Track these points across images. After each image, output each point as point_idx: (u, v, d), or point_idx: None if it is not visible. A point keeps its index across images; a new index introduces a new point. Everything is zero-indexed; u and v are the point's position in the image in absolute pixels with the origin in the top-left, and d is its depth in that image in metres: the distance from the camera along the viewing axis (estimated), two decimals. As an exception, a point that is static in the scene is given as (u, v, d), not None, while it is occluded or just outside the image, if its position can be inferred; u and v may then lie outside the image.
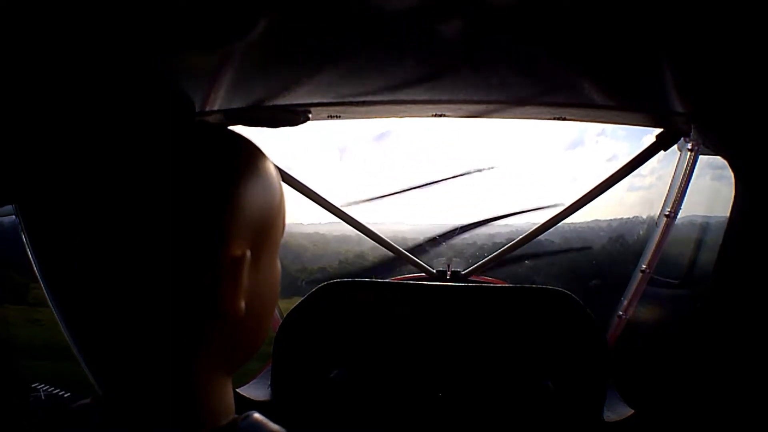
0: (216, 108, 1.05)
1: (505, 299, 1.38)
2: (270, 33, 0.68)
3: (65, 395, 1.52)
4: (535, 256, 2.02)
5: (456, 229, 1.83)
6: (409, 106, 1.17)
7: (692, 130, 1.07)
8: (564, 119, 1.21)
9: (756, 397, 0.94)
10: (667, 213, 1.38)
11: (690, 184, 1.34)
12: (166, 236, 0.39)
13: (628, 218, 2.29)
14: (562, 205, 1.45)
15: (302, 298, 1.43)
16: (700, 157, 1.30)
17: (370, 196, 1.72)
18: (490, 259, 1.54)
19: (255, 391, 1.42)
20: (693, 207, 1.47)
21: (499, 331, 1.36)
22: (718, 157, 0.98)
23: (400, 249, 1.56)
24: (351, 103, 1.12)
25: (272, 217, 0.45)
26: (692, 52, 0.75)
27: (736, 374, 0.98)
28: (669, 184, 1.38)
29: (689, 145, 1.27)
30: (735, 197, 0.96)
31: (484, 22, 0.69)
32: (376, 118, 1.28)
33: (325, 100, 1.10)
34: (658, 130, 1.26)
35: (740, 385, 0.97)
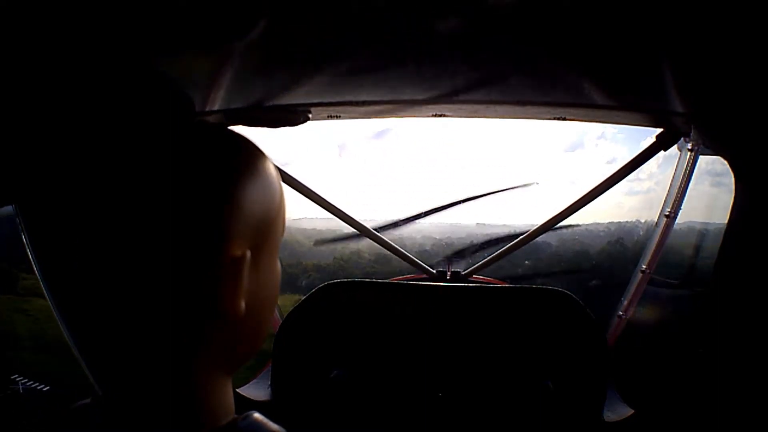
0: (216, 108, 1.05)
1: (505, 299, 1.37)
2: (270, 33, 0.68)
3: (44, 389, 1.51)
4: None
5: (421, 214, 1.86)
6: (409, 106, 1.17)
7: (692, 130, 1.08)
8: (564, 119, 1.21)
9: (756, 397, 0.94)
10: (667, 213, 1.38)
11: (689, 187, 1.34)
12: (167, 236, 0.39)
13: (627, 221, 2.29)
14: (535, 183, 1.46)
15: (302, 298, 1.43)
16: (699, 164, 1.30)
17: (399, 218, 1.76)
18: (490, 259, 1.54)
19: (255, 391, 1.42)
20: (692, 213, 1.48)
21: (499, 331, 1.36)
22: (717, 164, 0.98)
23: (399, 249, 1.56)
24: (351, 103, 1.12)
25: (272, 217, 0.45)
26: (692, 53, 0.75)
27: (736, 374, 0.98)
28: (669, 185, 1.38)
29: (689, 145, 1.27)
30: (735, 197, 0.96)
31: (484, 22, 0.69)
32: (376, 118, 1.28)
33: (324, 100, 1.10)
34: (658, 131, 1.26)
35: (740, 385, 0.97)
